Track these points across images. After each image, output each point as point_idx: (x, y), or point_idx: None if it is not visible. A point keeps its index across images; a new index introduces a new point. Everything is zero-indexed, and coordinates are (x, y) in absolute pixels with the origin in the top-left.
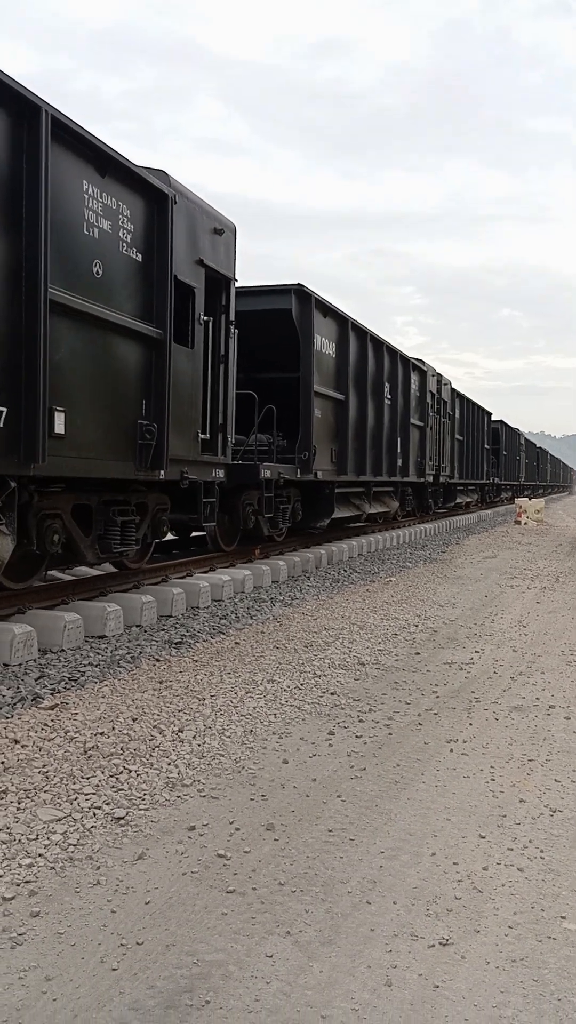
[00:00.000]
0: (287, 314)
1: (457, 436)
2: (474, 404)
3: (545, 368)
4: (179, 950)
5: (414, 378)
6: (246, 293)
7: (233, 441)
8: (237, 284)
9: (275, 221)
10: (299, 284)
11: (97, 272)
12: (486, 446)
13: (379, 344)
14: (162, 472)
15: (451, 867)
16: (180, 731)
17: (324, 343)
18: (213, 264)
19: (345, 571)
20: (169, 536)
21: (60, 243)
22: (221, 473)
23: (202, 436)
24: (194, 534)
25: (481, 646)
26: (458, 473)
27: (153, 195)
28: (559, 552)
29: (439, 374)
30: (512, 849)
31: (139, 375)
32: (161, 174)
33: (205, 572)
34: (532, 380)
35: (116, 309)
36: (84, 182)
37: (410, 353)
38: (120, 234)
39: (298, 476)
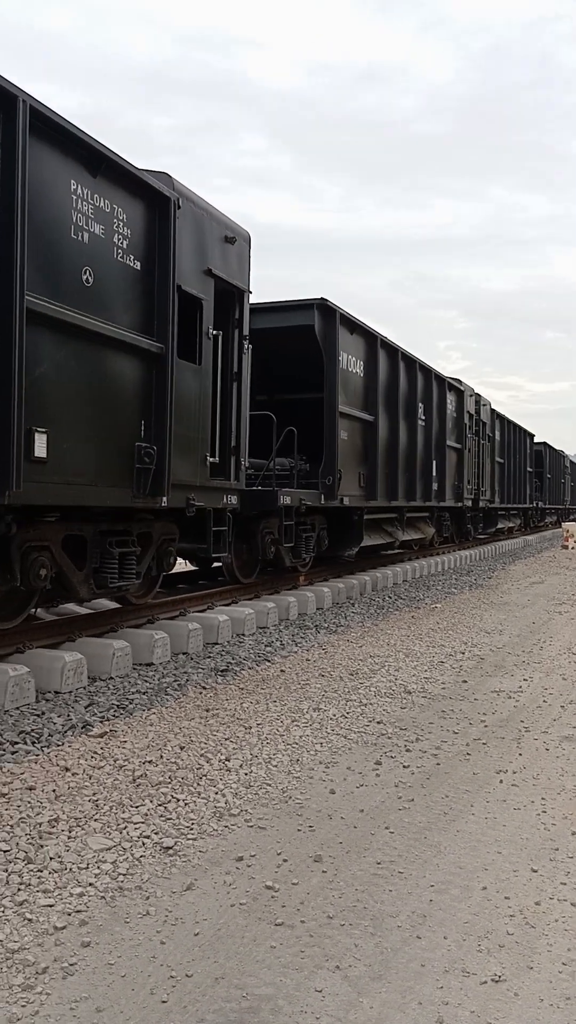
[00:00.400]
0: (309, 331)
1: (498, 459)
2: (515, 425)
3: None
4: (228, 983)
5: (450, 398)
6: (265, 309)
7: (247, 465)
8: (254, 299)
9: (316, 249)
10: (322, 298)
11: (87, 280)
12: (528, 469)
13: (411, 362)
14: (164, 499)
15: (503, 901)
16: (227, 760)
17: (350, 361)
18: (223, 274)
19: (390, 598)
20: (188, 567)
21: (41, 247)
22: (234, 499)
23: (211, 460)
24: (216, 564)
25: (530, 674)
26: (499, 497)
27: (153, 198)
28: None
29: (477, 394)
30: (565, 883)
31: (137, 393)
32: (164, 176)
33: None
34: None
35: (110, 321)
36: (72, 182)
37: (452, 376)
38: (115, 239)
39: (322, 502)
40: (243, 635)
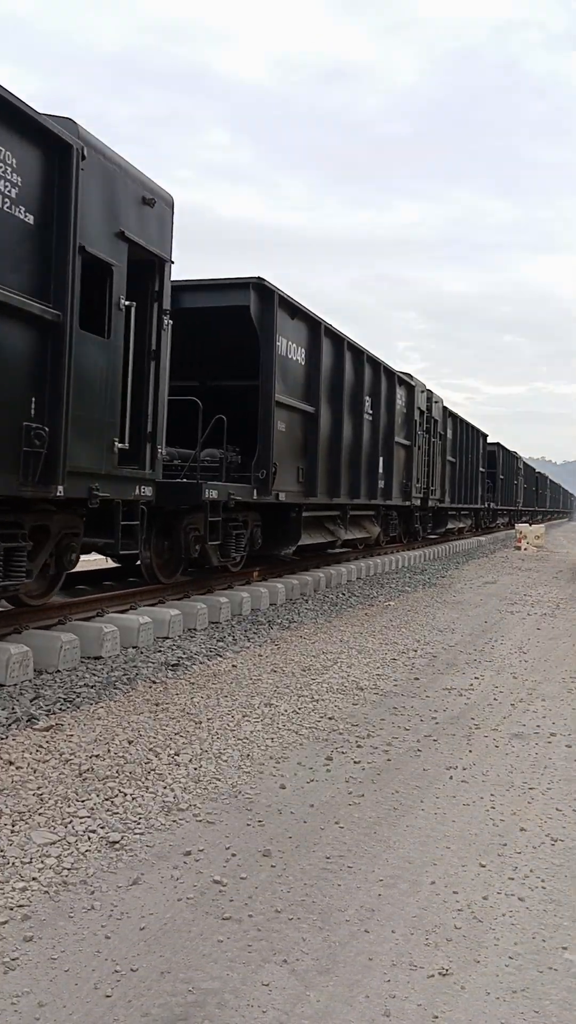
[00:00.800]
0: (244, 312)
1: (449, 458)
2: (468, 425)
3: (547, 395)
4: (174, 977)
5: (400, 393)
6: (197, 287)
7: (165, 453)
8: (188, 275)
9: (280, 246)
10: (259, 277)
11: None
12: (481, 469)
13: (358, 353)
14: (60, 488)
15: (451, 896)
16: (176, 754)
17: (290, 347)
18: (140, 239)
19: (343, 595)
20: (110, 564)
21: None
22: (148, 491)
23: (120, 446)
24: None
25: (481, 672)
26: (450, 497)
27: (53, 145)
28: (559, 579)
29: (429, 390)
30: (513, 878)
31: (27, 365)
32: (67, 122)
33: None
34: (534, 406)
35: None
36: None
37: (403, 371)
38: (1, 186)
39: (255, 498)
40: (195, 630)
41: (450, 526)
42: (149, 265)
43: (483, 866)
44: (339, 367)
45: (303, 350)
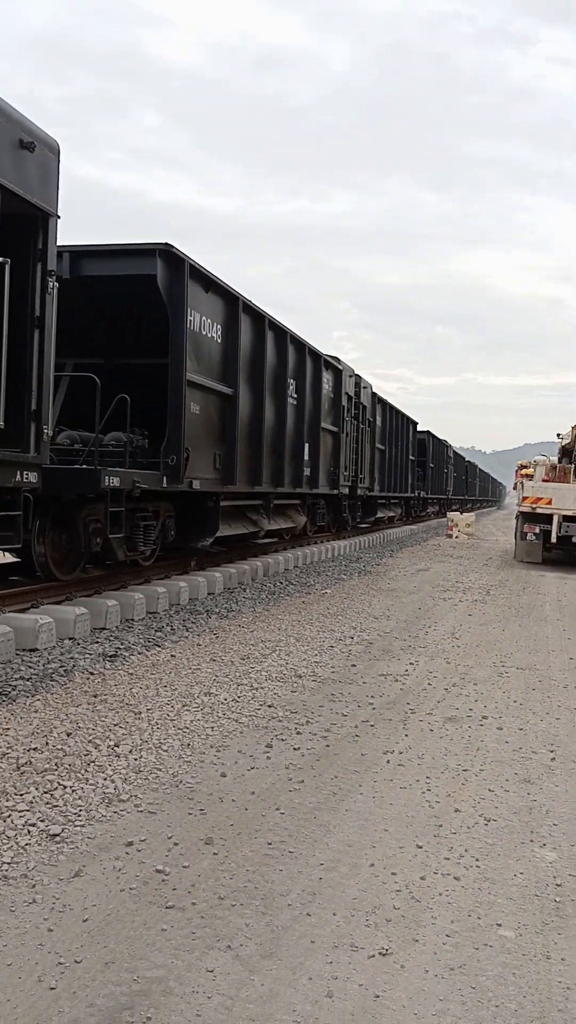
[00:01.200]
0: (151, 282)
1: (378, 445)
2: (398, 412)
3: (477, 385)
4: (119, 967)
5: (327, 377)
6: (98, 253)
7: (52, 435)
8: (90, 244)
9: (215, 233)
10: (166, 244)
11: None
12: (411, 457)
13: (281, 333)
14: None
15: (389, 877)
16: (116, 745)
17: (205, 323)
18: (17, 188)
19: (281, 583)
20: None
21: None
22: (32, 477)
23: None
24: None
25: (415, 658)
26: (379, 485)
27: None
28: (489, 565)
29: (358, 375)
30: (449, 858)
31: None
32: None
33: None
34: (464, 396)
35: None
36: None
37: (331, 355)
38: None
39: (164, 485)
40: (132, 620)
41: (380, 515)
42: (30, 220)
43: (420, 847)
44: (260, 347)
45: (219, 327)
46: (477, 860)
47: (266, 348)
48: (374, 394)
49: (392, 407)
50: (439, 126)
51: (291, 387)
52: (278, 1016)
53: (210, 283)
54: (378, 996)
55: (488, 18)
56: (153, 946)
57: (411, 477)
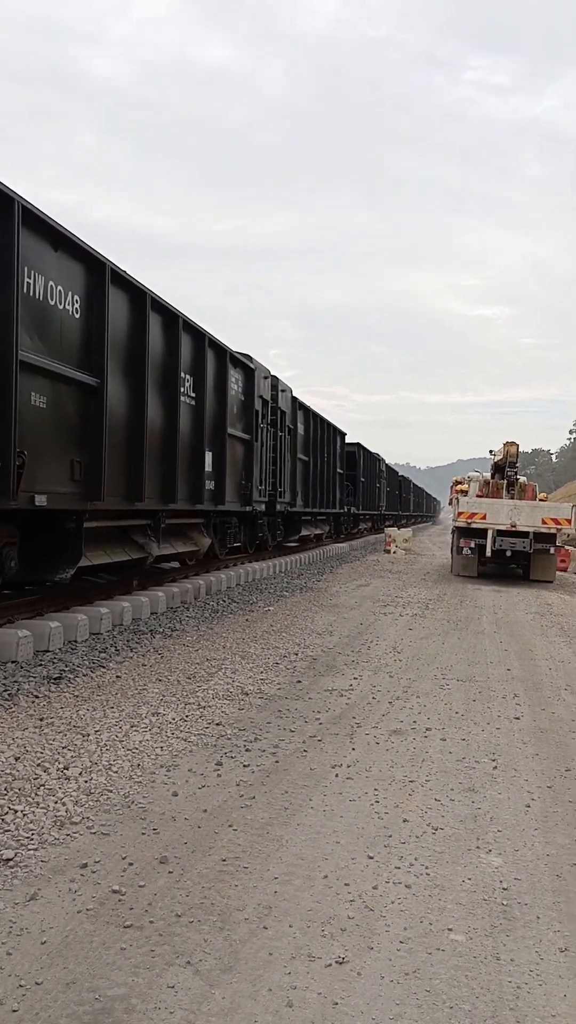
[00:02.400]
0: None
1: (301, 456)
2: (324, 421)
3: (411, 403)
4: (80, 987)
5: (235, 376)
6: None
7: None
8: None
9: (153, 251)
10: None
11: None
12: (339, 470)
13: (172, 317)
14: None
15: (343, 888)
16: (65, 768)
17: (54, 291)
18: None
19: (224, 601)
20: None
21: None
22: None
23: None
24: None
25: (359, 672)
26: (303, 500)
27: None
28: (427, 580)
29: (274, 376)
30: (399, 867)
31: None
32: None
33: None
34: (399, 414)
35: None
36: None
37: (242, 352)
38: None
39: None
40: (76, 642)
41: (305, 533)
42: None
43: (371, 857)
44: (140, 330)
45: (79, 299)
46: (427, 868)
47: (148, 333)
48: (295, 399)
49: (317, 415)
50: (372, 147)
51: (186, 383)
52: None
53: (61, 240)
54: (336, 1004)
55: (418, 43)
56: (113, 965)
57: (340, 492)
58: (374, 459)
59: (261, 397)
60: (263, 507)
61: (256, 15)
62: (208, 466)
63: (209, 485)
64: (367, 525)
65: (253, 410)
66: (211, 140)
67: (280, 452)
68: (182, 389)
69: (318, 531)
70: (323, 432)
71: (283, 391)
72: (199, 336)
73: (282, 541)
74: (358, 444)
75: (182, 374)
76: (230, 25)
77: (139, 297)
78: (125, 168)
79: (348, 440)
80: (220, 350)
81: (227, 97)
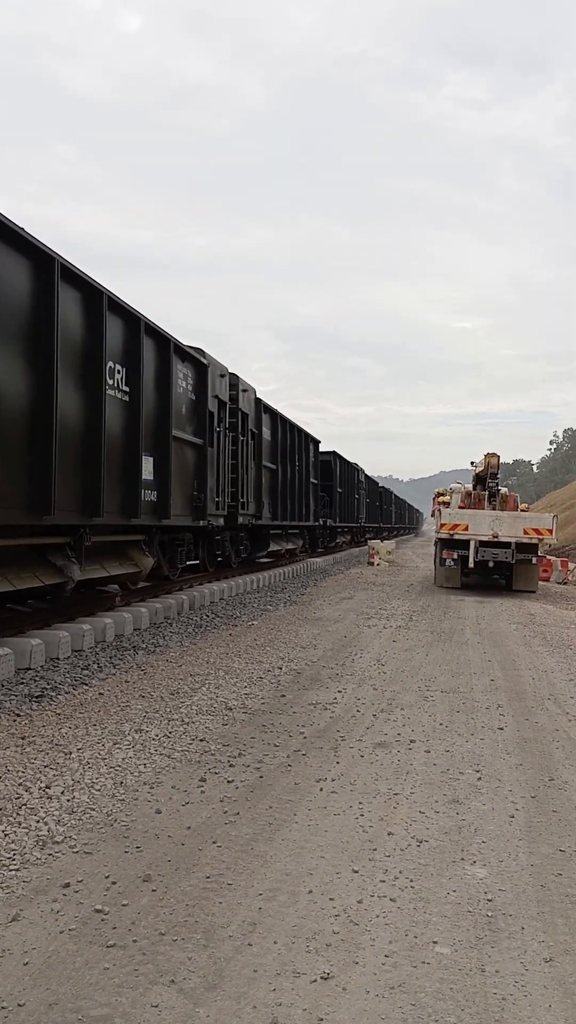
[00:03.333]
0: None
1: (268, 464)
2: (294, 427)
3: (393, 415)
4: (63, 1008)
5: (183, 371)
6: None
7: None
8: None
9: (132, 264)
10: None
11: None
12: (313, 480)
13: (94, 293)
14: None
15: (328, 903)
16: (47, 787)
17: None
18: None
19: (207, 616)
20: None
21: None
22: None
23: None
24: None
25: (343, 686)
26: (270, 512)
27: None
28: (411, 592)
29: (234, 375)
30: (384, 881)
31: None
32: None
33: None
34: (381, 426)
35: None
36: None
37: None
38: None
39: None
40: (58, 659)
41: (275, 548)
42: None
43: (356, 871)
44: (45, 304)
45: None
46: (411, 881)
47: (58, 309)
48: (259, 401)
49: (285, 419)
50: (351, 161)
51: (116, 375)
52: None
53: None
54: (322, 1019)
55: (396, 58)
56: (96, 985)
57: (314, 503)
58: (352, 468)
59: (217, 397)
60: (221, 521)
61: (233, 28)
62: (148, 474)
63: (149, 496)
64: (346, 538)
65: (207, 411)
66: (191, 154)
67: (243, 459)
68: (110, 381)
69: (290, 545)
70: (293, 439)
71: (244, 391)
72: (133, 320)
73: (250, 557)
74: (334, 453)
75: (109, 363)
76: (206, 38)
77: (45, 264)
78: (103, 182)
79: (323, 449)
80: (162, 339)
81: (207, 111)
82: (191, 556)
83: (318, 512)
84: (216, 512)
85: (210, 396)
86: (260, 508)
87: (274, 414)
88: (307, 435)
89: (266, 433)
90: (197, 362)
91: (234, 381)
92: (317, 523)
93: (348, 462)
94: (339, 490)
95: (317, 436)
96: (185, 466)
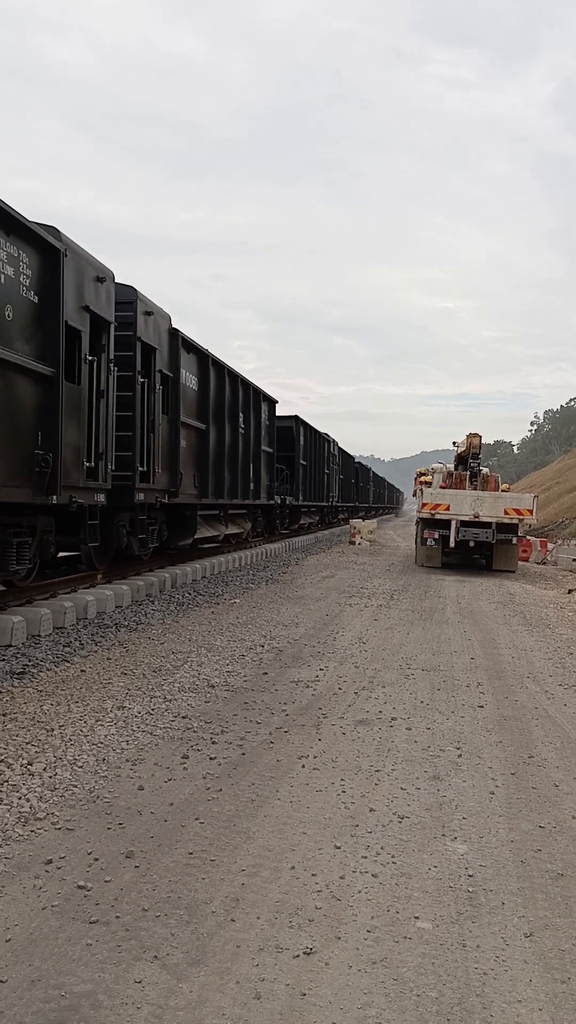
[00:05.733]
0: None
1: (191, 421)
2: (238, 377)
3: (375, 395)
4: (46, 984)
5: (4, 251)
6: None
7: None
8: None
9: (117, 242)
10: None
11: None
12: (267, 449)
13: None
14: None
15: (310, 879)
16: (29, 764)
17: None
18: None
19: (189, 594)
20: None
21: None
22: None
23: None
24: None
25: (325, 664)
26: (197, 486)
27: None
28: (392, 571)
29: (131, 287)
30: (366, 857)
31: None
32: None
33: None
34: (363, 406)
35: None
36: None
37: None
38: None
39: None
40: (39, 636)
41: (210, 533)
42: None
43: (338, 847)
44: None
45: None
46: (393, 857)
47: None
48: (176, 332)
49: (223, 365)
50: (337, 142)
51: None
52: (208, 1021)
53: None
54: (305, 994)
55: (383, 38)
56: (79, 961)
57: (267, 477)
58: (321, 439)
59: (91, 311)
60: (103, 496)
61: (220, 4)
62: None
63: None
64: (313, 519)
65: (63, 325)
66: (176, 132)
67: (145, 411)
68: None
69: (234, 529)
70: (235, 392)
71: (149, 314)
72: None
73: (167, 546)
74: (295, 417)
75: None
76: (192, 15)
77: None
78: (88, 159)
79: (282, 414)
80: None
81: (192, 87)
82: (46, 551)
83: (274, 488)
84: (86, 484)
85: (74, 306)
86: (176, 480)
87: (203, 355)
88: (257, 390)
89: (190, 380)
90: (42, 241)
91: (129, 296)
92: (273, 501)
93: (316, 431)
94: (302, 463)
95: (313, 423)
96: (9, 406)
